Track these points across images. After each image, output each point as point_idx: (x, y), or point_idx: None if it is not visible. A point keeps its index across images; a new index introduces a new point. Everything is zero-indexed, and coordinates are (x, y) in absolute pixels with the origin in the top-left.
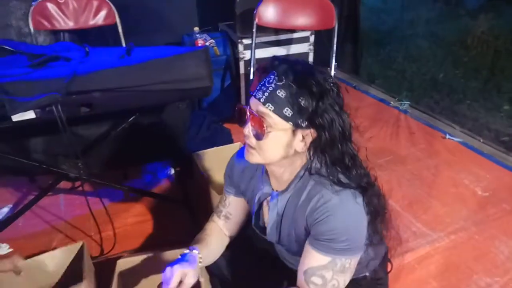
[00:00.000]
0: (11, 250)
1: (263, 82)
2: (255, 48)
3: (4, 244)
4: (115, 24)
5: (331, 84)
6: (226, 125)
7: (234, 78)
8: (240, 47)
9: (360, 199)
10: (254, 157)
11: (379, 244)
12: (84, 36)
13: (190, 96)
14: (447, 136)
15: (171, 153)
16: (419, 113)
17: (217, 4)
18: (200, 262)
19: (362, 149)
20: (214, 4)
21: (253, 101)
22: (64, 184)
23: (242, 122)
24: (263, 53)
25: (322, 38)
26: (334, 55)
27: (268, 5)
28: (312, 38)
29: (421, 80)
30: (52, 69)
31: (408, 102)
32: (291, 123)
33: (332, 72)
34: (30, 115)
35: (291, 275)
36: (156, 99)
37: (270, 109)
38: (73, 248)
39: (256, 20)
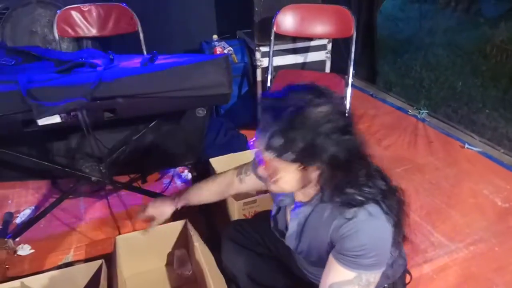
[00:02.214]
0: (33, 251)
1: (261, 127)
2: (272, 56)
3: (26, 245)
4: (136, 32)
5: (328, 111)
6: (243, 132)
7: (251, 85)
8: (258, 55)
9: (383, 211)
10: (273, 189)
11: (399, 256)
12: (106, 43)
13: (209, 102)
14: (466, 146)
15: (189, 158)
16: (437, 121)
17: (235, 12)
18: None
19: (378, 157)
20: (232, 12)
21: (258, 145)
22: (84, 187)
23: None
24: (280, 60)
25: (339, 46)
26: (352, 63)
27: (286, 13)
28: (329, 46)
29: (439, 88)
30: (78, 75)
31: (426, 111)
32: (296, 164)
33: (350, 80)
34: (56, 119)
35: (309, 286)
36: (176, 106)
37: (272, 156)
38: (92, 265)
39: (274, 28)
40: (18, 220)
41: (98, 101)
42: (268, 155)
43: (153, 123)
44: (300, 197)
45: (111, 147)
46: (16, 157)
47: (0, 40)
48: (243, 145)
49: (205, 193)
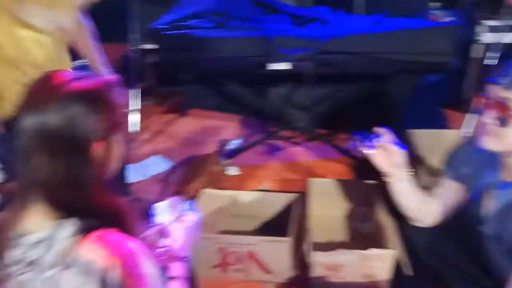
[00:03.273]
0: (238, 173)
1: (509, 67)
2: (502, 31)
3: (234, 167)
4: None
5: None
6: (445, 110)
7: (465, 62)
8: (481, 29)
9: None
10: (494, 145)
11: None
12: (333, 1)
13: (429, 69)
14: None
15: (384, 125)
16: None
17: None
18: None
19: None
20: None
21: (496, 88)
22: (285, 132)
23: (486, 109)
24: (509, 37)
25: None
26: None
27: None
28: None
29: None
30: (312, 29)
31: None
32: None
33: None
34: (284, 66)
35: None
36: (396, 68)
37: None
38: (288, 196)
39: None
40: (230, 147)
41: (325, 55)
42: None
43: (361, 82)
44: (509, 176)
45: (318, 99)
46: (240, 93)
47: None
48: (442, 123)
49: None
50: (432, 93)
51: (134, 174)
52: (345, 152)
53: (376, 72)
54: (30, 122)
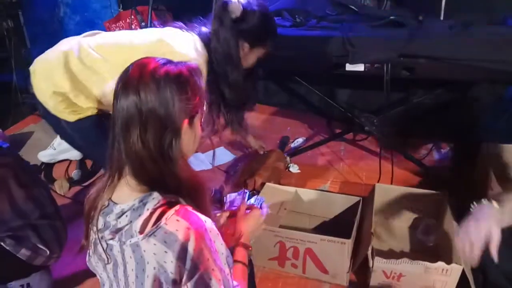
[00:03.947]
0: (299, 171)
1: None
2: None
3: (296, 165)
4: None
5: None
6: None
7: None
8: None
9: None
10: None
11: None
12: (413, 4)
13: None
14: None
15: (457, 135)
16: None
17: None
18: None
19: None
20: None
21: None
22: (348, 135)
23: None
24: None
25: None
26: None
27: None
28: None
29: None
30: (390, 31)
31: None
32: None
33: None
34: (360, 68)
35: None
36: (477, 76)
37: None
38: (350, 199)
39: None
40: (292, 145)
41: (402, 58)
42: None
43: (438, 89)
44: None
45: (389, 104)
46: (308, 92)
47: None
48: None
49: None
50: None
51: (199, 164)
52: (415, 161)
53: (457, 79)
54: (129, 101)
